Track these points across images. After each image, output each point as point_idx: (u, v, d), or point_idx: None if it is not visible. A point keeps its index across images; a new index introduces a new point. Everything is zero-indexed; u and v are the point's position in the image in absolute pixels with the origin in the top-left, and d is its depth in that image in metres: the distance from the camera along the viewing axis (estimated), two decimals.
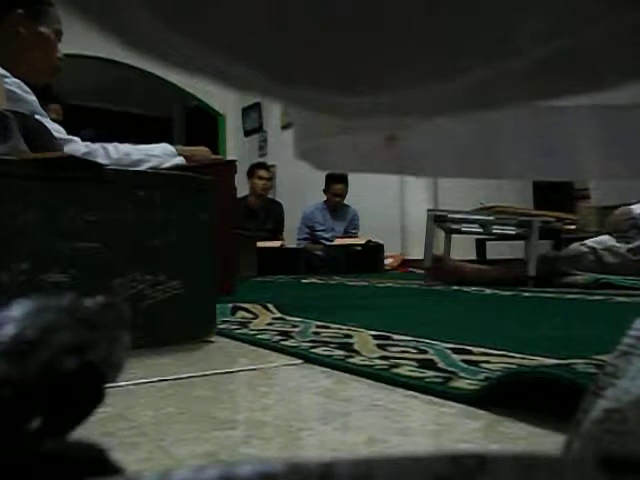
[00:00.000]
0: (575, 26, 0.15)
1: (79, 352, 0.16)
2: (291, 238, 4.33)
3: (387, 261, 3.87)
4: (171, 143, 1.53)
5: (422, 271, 2.29)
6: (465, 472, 0.12)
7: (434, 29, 0.15)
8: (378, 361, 0.61)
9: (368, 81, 0.18)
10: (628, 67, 0.17)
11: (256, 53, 0.17)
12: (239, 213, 3.13)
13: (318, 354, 0.66)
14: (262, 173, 4.22)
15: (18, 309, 0.16)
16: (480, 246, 2.81)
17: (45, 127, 1.07)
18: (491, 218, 2.14)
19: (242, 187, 3.54)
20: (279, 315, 1.09)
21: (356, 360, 0.62)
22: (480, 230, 2.23)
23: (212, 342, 0.80)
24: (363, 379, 0.55)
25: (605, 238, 1.96)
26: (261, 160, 5.11)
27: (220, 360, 0.69)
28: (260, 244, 3.31)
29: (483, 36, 0.16)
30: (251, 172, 4.22)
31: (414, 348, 0.69)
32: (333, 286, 2.27)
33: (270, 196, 4.62)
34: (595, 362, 0.43)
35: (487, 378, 0.51)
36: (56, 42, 1.36)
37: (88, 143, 1.40)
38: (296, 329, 0.88)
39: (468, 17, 0.15)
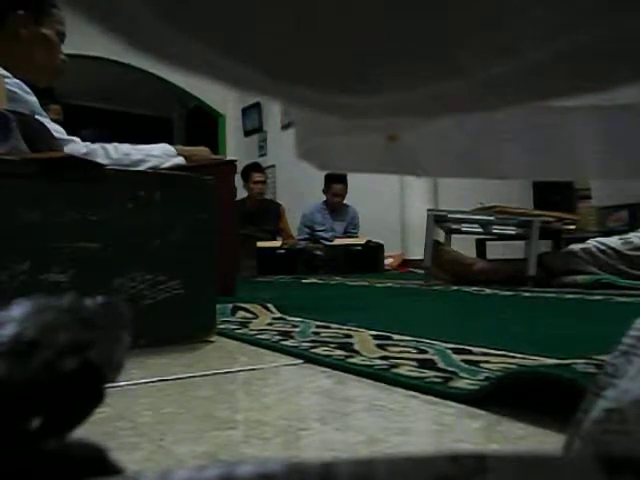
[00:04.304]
0: (576, 27, 0.15)
1: (79, 352, 0.16)
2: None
3: (387, 261, 3.86)
4: (171, 143, 1.53)
5: (422, 271, 2.28)
6: (465, 472, 0.12)
7: (435, 30, 0.15)
8: (378, 361, 0.61)
9: (369, 81, 0.18)
10: (628, 67, 0.17)
11: (257, 53, 0.17)
12: (237, 215, 3.13)
13: (318, 354, 0.66)
14: (257, 177, 4.20)
15: (18, 309, 0.16)
16: (480, 246, 2.81)
17: (45, 127, 1.07)
18: (491, 218, 2.14)
19: (240, 189, 3.52)
20: (279, 315, 1.09)
21: (356, 360, 0.62)
22: (480, 230, 2.23)
23: (212, 342, 0.80)
24: (363, 379, 0.55)
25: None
26: (259, 160, 5.10)
27: (220, 360, 0.69)
28: (260, 244, 3.31)
29: (484, 37, 0.16)
30: (246, 175, 4.18)
31: (414, 348, 0.69)
32: (333, 286, 2.27)
33: (269, 197, 4.61)
34: (595, 362, 0.43)
35: (487, 378, 0.51)
36: (58, 43, 1.36)
37: (88, 143, 1.40)
38: (296, 329, 0.88)
39: (469, 19, 0.15)
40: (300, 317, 1.04)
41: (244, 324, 0.96)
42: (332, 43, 0.16)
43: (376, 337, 0.78)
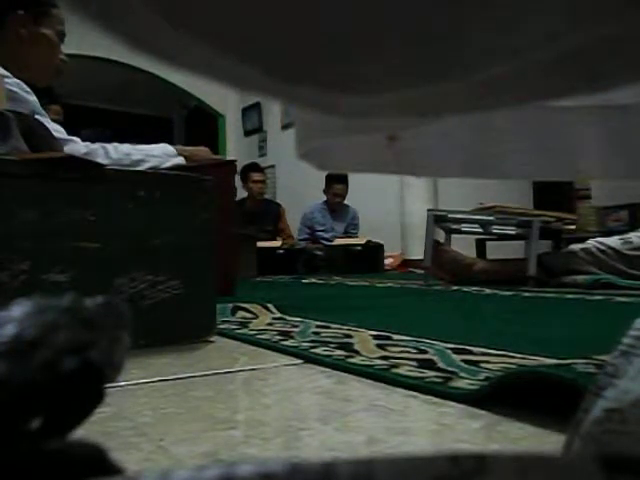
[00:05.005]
0: (576, 27, 0.15)
1: (79, 352, 0.16)
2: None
3: (387, 261, 3.86)
4: (171, 143, 1.53)
5: (422, 271, 2.28)
6: (465, 472, 0.12)
7: (435, 31, 0.15)
8: (378, 361, 0.61)
9: (370, 81, 0.18)
10: (628, 67, 0.17)
11: (258, 52, 0.17)
12: (238, 214, 3.12)
13: (318, 354, 0.66)
14: (256, 176, 4.20)
15: (18, 309, 0.16)
16: (480, 246, 2.81)
17: (45, 127, 1.07)
18: (491, 218, 2.14)
19: (240, 190, 3.52)
20: (279, 315, 1.09)
21: (356, 360, 0.62)
22: (480, 230, 2.23)
23: (212, 342, 0.80)
24: (363, 379, 0.55)
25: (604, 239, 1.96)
26: (259, 160, 5.11)
27: (220, 360, 0.69)
28: (260, 244, 3.31)
29: (484, 37, 0.16)
30: (245, 176, 4.18)
31: (414, 348, 0.69)
32: (333, 286, 2.27)
33: (268, 197, 4.61)
34: (595, 362, 0.43)
35: (487, 378, 0.51)
36: (58, 43, 1.36)
37: (88, 143, 1.40)
38: (296, 329, 0.88)
39: (469, 19, 0.15)
40: (300, 317, 1.04)
41: (244, 324, 0.96)
42: (333, 43, 0.16)
43: (376, 337, 0.78)
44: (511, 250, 2.67)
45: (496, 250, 2.72)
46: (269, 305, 1.20)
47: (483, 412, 0.44)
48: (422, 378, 0.52)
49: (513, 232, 2.14)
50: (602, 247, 1.89)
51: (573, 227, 2.81)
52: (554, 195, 4.17)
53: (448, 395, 0.48)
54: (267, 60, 0.17)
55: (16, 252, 0.67)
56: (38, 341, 0.15)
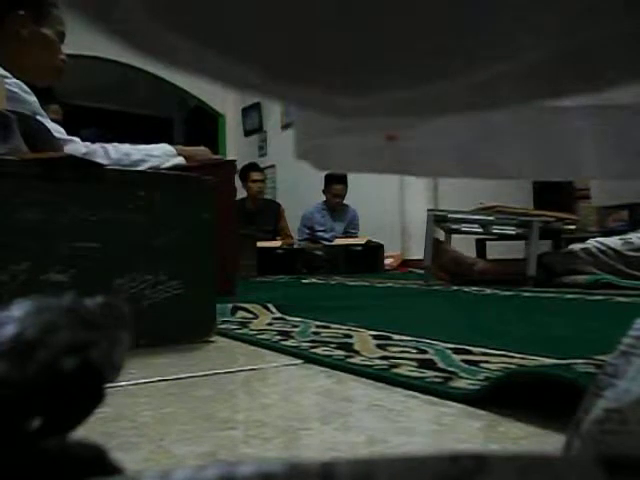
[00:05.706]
0: (576, 27, 0.15)
1: (79, 352, 0.16)
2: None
3: (387, 261, 3.86)
4: (171, 143, 1.53)
5: (422, 271, 2.29)
6: (465, 472, 0.12)
7: (435, 30, 0.15)
8: (378, 361, 0.61)
9: (369, 81, 0.18)
10: (628, 67, 0.17)
11: (257, 53, 0.17)
12: (238, 214, 3.13)
13: (318, 354, 0.66)
14: (255, 176, 4.21)
15: (18, 309, 0.16)
16: (480, 246, 2.81)
17: (45, 127, 1.07)
18: (491, 218, 2.14)
19: (239, 190, 3.52)
20: (279, 315, 1.09)
21: (356, 360, 0.62)
22: (480, 230, 2.23)
23: (212, 342, 0.80)
24: (363, 379, 0.55)
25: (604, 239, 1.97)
26: (259, 160, 5.11)
27: (220, 360, 0.69)
28: (260, 244, 3.31)
29: (483, 37, 0.16)
30: (244, 176, 4.19)
31: (414, 348, 0.69)
32: (333, 286, 2.27)
33: (268, 196, 4.61)
34: (595, 362, 0.43)
35: (487, 378, 0.51)
36: (58, 43, 1.36)
37: (88, 143, 1.40)
38: (296, 329, 0.88)
39: (469, 19, 0.15)
40: (300, 317, 1.04)
41: (244, 324, 0.96)
42: (332, 43, 0.16)
43: (376, 337, 0.78)
44: (511, 250, 2.67)
45: (496, 250, 2.71)
46: (269, 305, 1.20)
47: (483, 412, 0.44)
48: (422, 378, 0.52)
49: (513, 232, 2.15)
50: (602, 247, 1.89)
51: (573, 227, 2.81)
52: (554, 195, 4.18)
53: (448, 395, 0.48)
54: (267, 61, 0.17)
55: (16, 252, 0.67)
56: (38, 341, 0.15)
